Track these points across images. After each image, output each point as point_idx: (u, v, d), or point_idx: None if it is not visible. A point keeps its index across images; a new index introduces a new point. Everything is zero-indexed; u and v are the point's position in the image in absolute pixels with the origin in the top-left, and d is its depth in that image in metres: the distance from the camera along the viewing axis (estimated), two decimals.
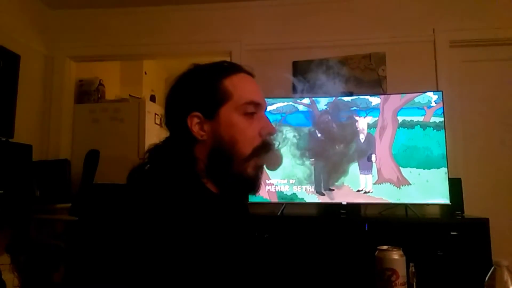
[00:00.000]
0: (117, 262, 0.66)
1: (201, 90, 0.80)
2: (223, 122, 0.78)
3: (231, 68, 0.83)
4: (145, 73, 4.46)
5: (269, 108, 2.53)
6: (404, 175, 2.45)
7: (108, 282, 0.65)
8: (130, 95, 3.79)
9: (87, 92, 3.48)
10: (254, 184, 0.81)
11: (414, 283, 0.93)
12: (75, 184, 2.90)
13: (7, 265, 2.44)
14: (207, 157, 0.79)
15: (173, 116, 0.83)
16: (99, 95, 3.51)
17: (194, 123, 0.79)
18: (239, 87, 0.80)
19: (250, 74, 0.85)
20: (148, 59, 4.18)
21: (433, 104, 2.49)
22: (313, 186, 2.50)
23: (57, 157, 3.09)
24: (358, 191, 2.48)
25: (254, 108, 0.81)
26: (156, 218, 0.67)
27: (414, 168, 2.44)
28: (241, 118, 0.79)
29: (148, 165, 0.79)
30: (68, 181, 2.95)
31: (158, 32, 3.18)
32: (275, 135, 0.82)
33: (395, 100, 2.54)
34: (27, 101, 2.99)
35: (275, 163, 0.81)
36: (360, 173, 2.49)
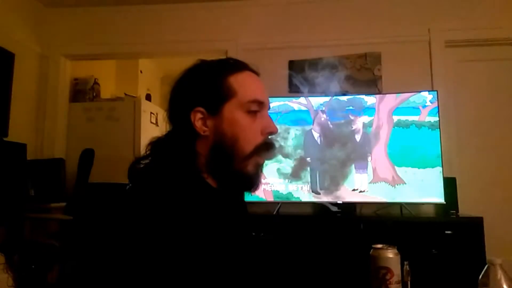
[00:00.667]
0: (116, 257, 0.66)
1: (206, 86, 0.80)
2: (226, 119, 0.79)
3: (237, 66, 0.83)
4: (141, 72, 4.44)
5: None
6: (399, 175, 2.46)
7: (108, 279, 0.66)
8: (125, 94, 3.77)
9: (82, 91, 3.46)
10: (253, 182, 0.82)
11: (409, 282, 0.93)
12: (70, 183, 2.89)
13: (1, 264, 2.43)
14: (208, 152, 0.80)
15: (177, 110, 0.83)
16: (94, 94, 3.49)
17: (197, 118, 0.79)
18: (244, 85, 0.81)
19: (255, 72, 0.86)
20: (143, 57, 4.17)
21: (428, 103, 2.50)
22: (308, 185, 2.50)
23: (51, 156, 3.08)
24: (354, 190, 2.49)
25: (258, 107, 0.81)
26: (156, 213, 0.68)
27: (409, 168, 2.45)
28: (244, 116, 0.80)
29: (150, 158, 0.80)
30: (63, 180, 2.94)
31: (153, 31, 3.17)
32: (276, 134, 0.83)
33: (391, 99, 2.55)
34: (22, 99, 2.97)
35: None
36: (356, 172, 2.50)
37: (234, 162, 0.79)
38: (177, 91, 0.84)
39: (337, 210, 2.45)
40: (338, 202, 2.47)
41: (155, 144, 0.82)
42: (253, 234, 0.92)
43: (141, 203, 0.70)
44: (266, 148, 0.81)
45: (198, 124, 0.79)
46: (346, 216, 2.46)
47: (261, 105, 0.82)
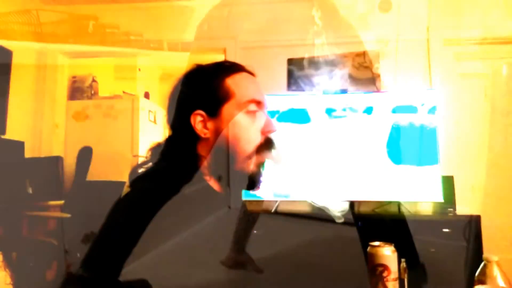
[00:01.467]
0: (117, 258, 0.67)
1: (204, 89, 0.82)
2: (225, 120, 0.80)
3: (233, 68, 0.85)
4: (139, 69, 4.43)
5: None
6: (397, 173, 2.46)
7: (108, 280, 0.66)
8: (123, 91, 3.77)
9: (80, 89, 3.46)
10: (256, 181, 0.84)
11: (405, 279, 0.94)
12: (68, 181, 2.89)
13: None
14: (210, 154, 0.81)
15: (177, 115, 0.84)
16: (92, 92, 3.49)
17: (198, 121, 0.81)
18: (241, 86, 0.82)
19: (251, 73, 0.87)
20: (142, 55, 4.15)
21: (426, 102, 2.50)
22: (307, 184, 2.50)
23: (49, 154, 3.07)
24: (352, 188, 2.49)
25: (256, 106, 0.83)
26: (159, 216, 0.68)
27: (407, 166, 2.46)
28: (243, 116, 0.81)
29: (151, 163, 0.80)
30: (61, 178, 2.93)
31: (152, 29, 3.17)
32: (275, 133, 0.84)
33: (389, 98, 2.55)
34: (20, 97, 2.96)
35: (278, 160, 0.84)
36: (354, 170, 2.49)
37: (236, 162, 0.80)
38: (176, 96, 0.85)
39: (342, 221, 2.45)
40: (337, 200, 2.47)
41: (156, 149, 0.83)
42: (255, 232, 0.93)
43: (143, 207, 0.70)
44: (267, 147, 0.82)
45: (199, 127, 0.81)
46: (344, 214, 2.46)
47: (259, 104, 0.84)
